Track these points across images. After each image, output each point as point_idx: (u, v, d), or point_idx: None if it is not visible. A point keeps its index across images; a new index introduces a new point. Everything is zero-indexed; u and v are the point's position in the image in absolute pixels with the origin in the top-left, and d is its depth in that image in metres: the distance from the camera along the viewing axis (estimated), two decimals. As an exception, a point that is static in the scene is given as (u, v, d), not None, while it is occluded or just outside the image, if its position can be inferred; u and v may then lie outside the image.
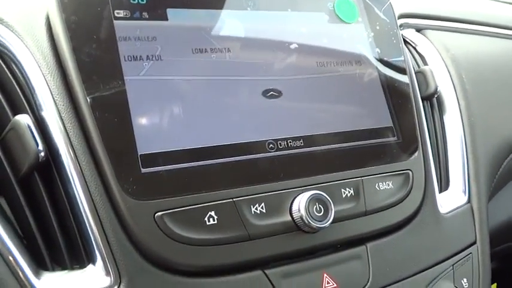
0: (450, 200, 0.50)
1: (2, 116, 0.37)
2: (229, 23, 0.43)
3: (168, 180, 0.36)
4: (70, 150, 0.35)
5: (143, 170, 0.36)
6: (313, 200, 0.39)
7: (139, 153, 0.36)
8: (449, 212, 0.49)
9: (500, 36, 0.73)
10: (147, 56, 0.38)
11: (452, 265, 0.46)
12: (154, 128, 0.37)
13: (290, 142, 0.42)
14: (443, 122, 0.55)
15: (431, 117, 0.55)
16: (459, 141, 0.54)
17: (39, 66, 0.36)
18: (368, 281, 0.41)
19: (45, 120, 0.36)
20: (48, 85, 0.36)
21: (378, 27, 0.50)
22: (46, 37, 0.37)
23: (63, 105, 0.36)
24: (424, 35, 0.63)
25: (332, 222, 0.39)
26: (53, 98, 0.36)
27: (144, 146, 0.36)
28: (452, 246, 0.48)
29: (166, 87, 0.39)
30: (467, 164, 0.53)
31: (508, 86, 0.65)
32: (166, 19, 0.40)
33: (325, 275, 0.40)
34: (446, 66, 0.58)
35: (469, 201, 0.51)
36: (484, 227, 0.51)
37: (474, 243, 0.49)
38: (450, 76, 0.58)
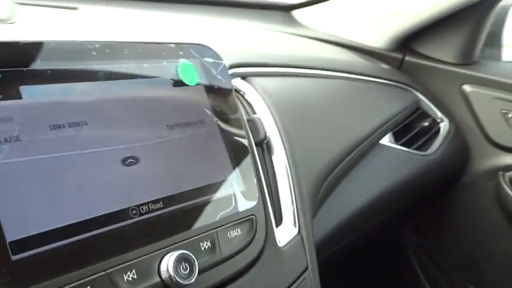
0: (285, 233, 0.58)
1: None
2: (83, 95, 0.44)
3: (41, 263, 0.37)
4: None
5: (14, 258, 0.36)
6: (179, 259, 0.43)
7: (7, 241, 0.36)
8: (286, 244, 0.57)
9: (315, 76, 0.86)
10: (5, 138, 0.38)
11: (293, 292, 0.54)
12: (21, 212, 0.37)
13: (151, 206, 0.45)
14: (273, 163, 0.63)
15: (264, 160, 0.62)
16: (286, 180, 0.63)
17: None
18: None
19: None
20: None
21: (216, 87, 0.55)
22: None
23: None
24: (249, 82, 0.71)
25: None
26: None
27: (12, 232, 0.36)
28: (291, 275, 0.56)
29: (27, 169, 0.39)
30: (295, 199, 0.62)
31: (321, 120, 0.77)
32: (21, 97, 0.40)
33: (194, 325, 0.44)
34: (271, 112, 0.67)
35: (299, 231, 0.60)
36: (313, 253, 0.60)
37: (307, 268, 0.58)
38: (275, 121, 0.66)
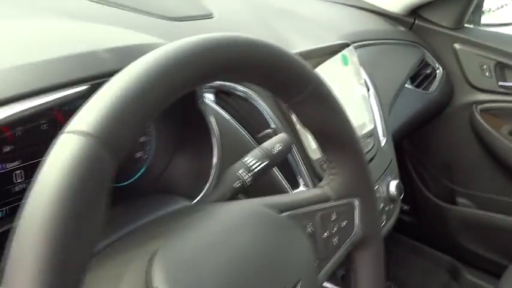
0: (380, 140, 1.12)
1: None
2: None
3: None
4: None
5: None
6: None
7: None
8: (383, 145, 1.11)
9: (369, 45, 1.38)
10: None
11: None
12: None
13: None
14: (371, 103, 1.16)
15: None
16: (378, 112, 1.15)
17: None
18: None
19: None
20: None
21: (355, 65, 1.06)
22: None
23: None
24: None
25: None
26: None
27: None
28: (387, 162, 1.10)
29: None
30: (383, 123, 1.15)
31: (380, 78, 1.30)
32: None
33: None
34: (367, 75, 1.18)
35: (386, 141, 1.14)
36: (393, 148, 1.15)
37: (392, 158, 1.13)
38: (370, 81, 1.18)
